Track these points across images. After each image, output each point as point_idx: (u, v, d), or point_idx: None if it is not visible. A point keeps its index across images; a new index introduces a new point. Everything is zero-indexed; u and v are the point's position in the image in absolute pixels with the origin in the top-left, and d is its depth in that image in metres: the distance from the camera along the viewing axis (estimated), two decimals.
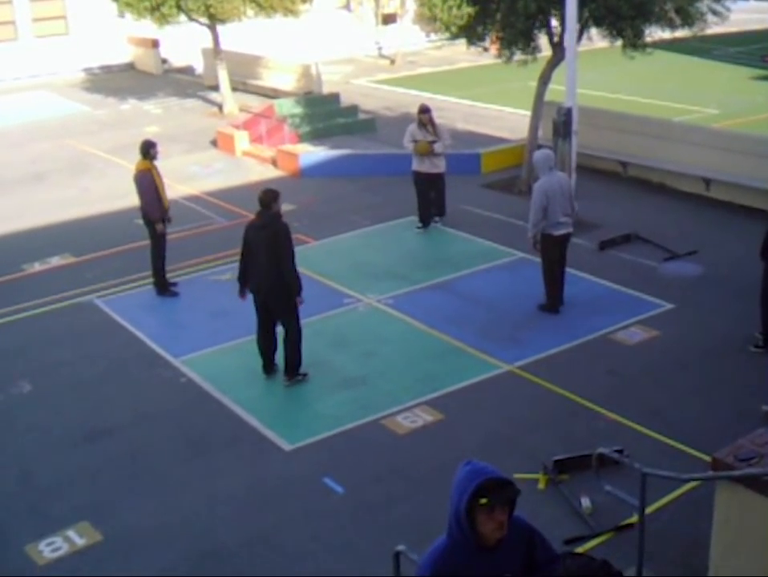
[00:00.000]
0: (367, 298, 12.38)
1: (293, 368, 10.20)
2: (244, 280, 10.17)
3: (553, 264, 11.60)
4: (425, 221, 14.89)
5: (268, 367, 10.38)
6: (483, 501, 4.01)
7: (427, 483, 8.32)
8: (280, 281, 9.87)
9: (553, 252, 11.54)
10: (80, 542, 7.70)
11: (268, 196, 10.02)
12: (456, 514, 4.10)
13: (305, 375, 10.27)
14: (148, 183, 12.29)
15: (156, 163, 12.52)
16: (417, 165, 14.59)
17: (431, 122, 14.53)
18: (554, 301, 11.65)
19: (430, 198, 14.80)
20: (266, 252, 9.81)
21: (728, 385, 9.83)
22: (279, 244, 9.80)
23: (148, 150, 12.34)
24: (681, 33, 16.66)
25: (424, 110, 14.59)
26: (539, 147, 17.27)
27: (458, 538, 4.15)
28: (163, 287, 12.73)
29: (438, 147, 14.43)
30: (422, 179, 14.62)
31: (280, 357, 10.37)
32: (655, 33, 16.21)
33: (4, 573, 7.41)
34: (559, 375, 10.12)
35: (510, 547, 4.22)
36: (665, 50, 21.83)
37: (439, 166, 14.56)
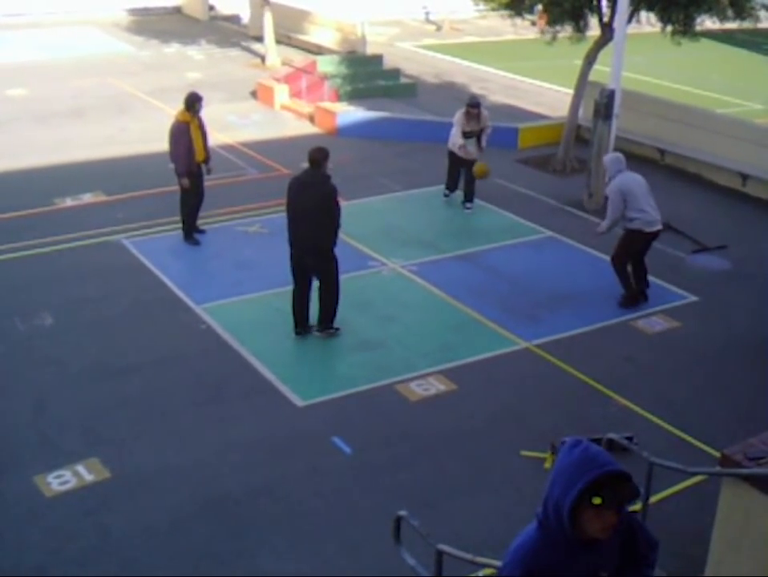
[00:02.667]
0: (392, 263, 12.39)
1: (329, 319, 10.26)
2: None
3: (629, 259, 11.30)
4: (451, 188, 14.85)
5: (300, 326, 10.35)
6: (597, 501, 3.34)
7: (434, 451, 8.38)
8: (321, 241, 9.87)
9: (636, 247, 11.25)
10: (89, 477, 7.81)
11: (320, 155, 9.77)
12: (557, 508, 3.41)
13: (337, 329, 10.33)
14: (181, 135, 12.22)
15: (202, 114, 12.51)
16: (452, 146, 14.44)
17: (479, 115, 14.34)
18: (633, 293, 11.35)
19: (460, 173, 14.67)
20: (311, 211, 9.71)
21: (744, 382, 9.79)
22: (329, 206, 9.77)
23: (192, 103, 12.20)
24: (731, 25, 16.49)
25: (475, 104, 14.35)
26: (579, 126, 17.19)
27: (553, 532, 3.48)
28: (187, 234, 12.79)
29: (484, 143, 14.43)
30: (455, 158, 14.51)
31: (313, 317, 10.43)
32: (705, 22, 16.05)
33: (12, 502, 7.54)
34: (576, 357, 10.12)
35: (609, 540, 3.55)
36: (714, 40, 21.58)
37: (474, 153, 14.44)
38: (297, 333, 10.34)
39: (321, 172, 9.80)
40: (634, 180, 11.18)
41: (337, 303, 10.26)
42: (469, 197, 14.60)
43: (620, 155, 11.59)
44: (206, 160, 12.64)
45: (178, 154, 12.29)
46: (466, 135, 14.29)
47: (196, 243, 12.73)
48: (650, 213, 11.07)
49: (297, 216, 9.85)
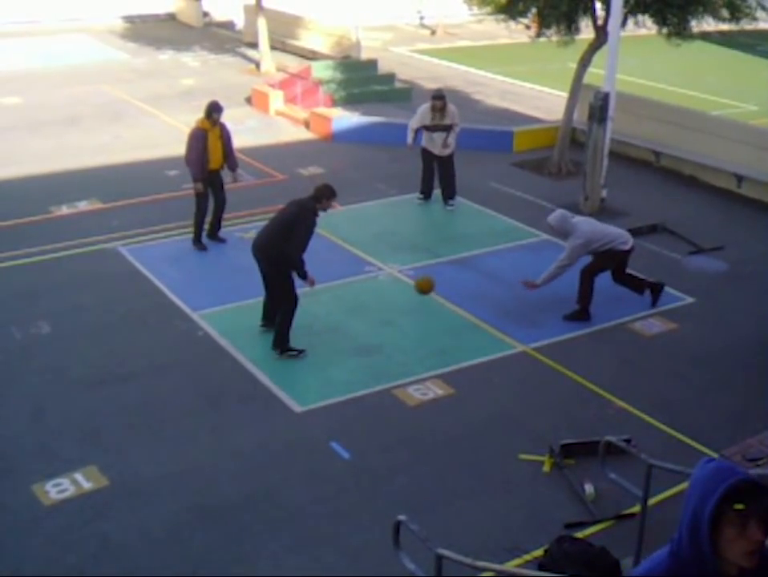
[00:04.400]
0: (388, 267, 12.39)
1: (281, 340, 9.99)
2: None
3: (597, 275, 11.09)
4: (425, 192, 14.93)
5: (266, 319, 10.47)
6: (739, 506, 2.92)
7: (433, 456, 8.37)
8: (275, 253, 9.81)
9: (609, 265, 11.11)
10: (87, 485, 7.79)
11: (321, 190, 9.96)
12: (694, 523, 2.97)
13: (300, 351, 10.03)
14: (196, 141, 12.38)
15: (224, 122, 12.73)
16: (427, 143, 14.53)
17: (444, 108, 14.35)
18: (587, 309, 11.09)
19: (434, 172, 14.79)
20: (280, 222, 9.87)
21: (742, 383, 9.79)
22: (298, 226, 9.70)
23: (211, 112, 12.41)
24: (727, 26, 16.51)
25: (439, 96, 14.44)
26: (574, 129, 17.18)
27: (687, 558, 3.01)
28: (196, 239, 12.87)
29: (451, 139, 14.37)
30: (430, 156, 14.62)
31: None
32: (701, 24, 16.06)
33: (10, 510, 7.52)
34: (574, 360, 10.12)
35: None
36: (709, 42, 21.60)
37: (449, 146, 14.48)
38: (261, 322, 10.53)
39: (312, 203, 9.88)
40: (587, 223, 11.14)
41: (288, 324, 9.96)
42: (450, 194, 14.64)
43: (562, 211, 11.31)
44: (232, 167, 12.83)
45: (192, 159, 12.45)
46: (429, 128, 14.37)
47: (203, 248, 12.83)
48: (619, 234, 11.02)
49: (270, 219, 10.15)
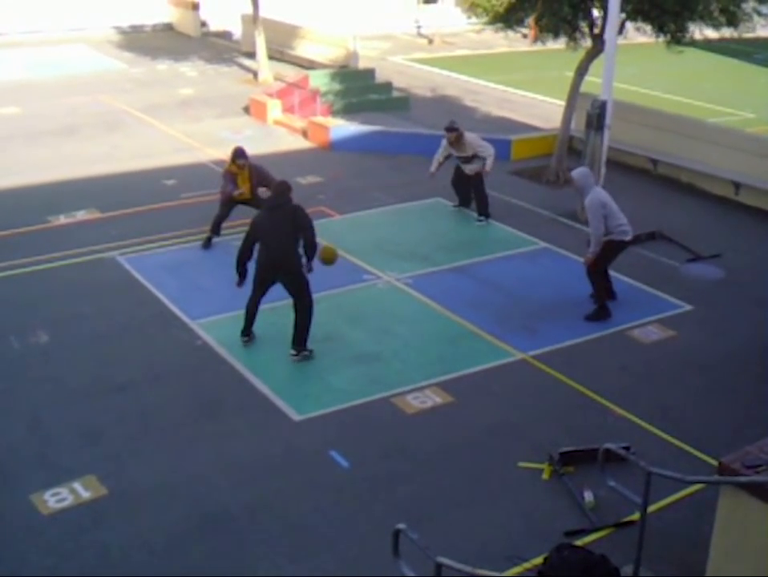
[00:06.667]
0: (387, 276, 12.39)
1: (303, 340, 10.17)
2: (245, 264, 10.35)
3: (602, 267, 11.35)
4: (460, 200, 15.00)
5: (249, 330, 10.49)
6: None
7: (432, 464, 8.36)
8: (295, 258, 10.01)
9: (612, 257, 11.34)
10: (85, 494, 7.78)
11: (285, 188, 10.26)
12: None
13: (311, 351, 10.23)
14: (227, 182, 13.09)
15: (256, 164, 13.34)
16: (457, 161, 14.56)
17: (459, 139, 14.18)
18: (606, 307, 11.32)
19: (464, 185, 14.74)
20: (285, 232, 9.95)
21: (740, 390, 9.79)
22: (302, 220, 10.04)
23: (234, 159, 13.09)
24: (724, 33, 16.52)
25: (450, 128, 14.25)
26: (571, 138, 17.21)
27: None
28: (207, 241, 13.26)
29: (488, 166, 14.21)
30: (460, 171, 14.62)
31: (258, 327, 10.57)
32: (697, 31, 16.08)
33: (9, 519, 7.50)
34: (573, 367, 10.12)
35: None
36: (705, 50, 21.66)
37: (475, 168, 14.42)
38: (245, 336, 10.52)
39: (284, 199, 10.18)
40: (604, 193, 11.32)
41: (310, 322, 10.18)
42: (479, 210, 14.60)
43: (587, 168, 11.69)
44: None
45: (223, 192, 13.18)
46: (460, 159, 14.40)
47: (207, 247, 13.29)
48: (626, 223, 11.24)
49: (259, 240, 10.13)
